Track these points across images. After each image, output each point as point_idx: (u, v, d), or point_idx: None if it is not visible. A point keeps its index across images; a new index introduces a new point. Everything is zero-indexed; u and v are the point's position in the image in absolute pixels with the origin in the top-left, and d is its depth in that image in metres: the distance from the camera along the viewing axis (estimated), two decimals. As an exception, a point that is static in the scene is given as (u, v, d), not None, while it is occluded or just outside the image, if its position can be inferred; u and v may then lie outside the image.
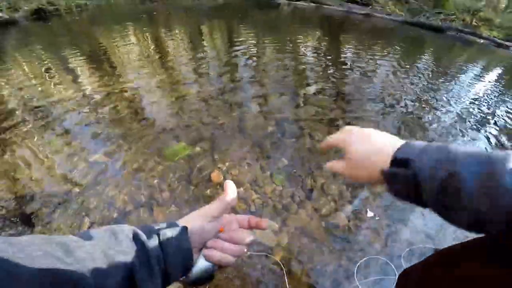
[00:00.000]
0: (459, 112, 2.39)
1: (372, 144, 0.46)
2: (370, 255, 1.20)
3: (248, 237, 0.47)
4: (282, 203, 1.46)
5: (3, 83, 2.71)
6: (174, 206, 1.42)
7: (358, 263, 1.16)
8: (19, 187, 1.50)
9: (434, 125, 2.18)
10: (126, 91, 2.51)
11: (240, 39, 4.33)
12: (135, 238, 0.41)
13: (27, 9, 6.19)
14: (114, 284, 0.37)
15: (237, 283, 1.09)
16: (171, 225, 0.45)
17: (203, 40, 4.43)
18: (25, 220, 1.34)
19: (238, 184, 1.55)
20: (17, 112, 2.18)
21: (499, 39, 5.54)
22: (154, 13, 6.57)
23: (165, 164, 1.67)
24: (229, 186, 0.50)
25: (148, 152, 1.76)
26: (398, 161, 0.40)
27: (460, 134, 2.10)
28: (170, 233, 0.43)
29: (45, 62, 3.30)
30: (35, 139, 1.87)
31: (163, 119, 2.11)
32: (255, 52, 3.71)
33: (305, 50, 3.95)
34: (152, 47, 4.02)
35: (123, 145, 1.82)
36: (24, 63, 3.30)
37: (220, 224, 0.48)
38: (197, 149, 1.79)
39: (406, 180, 0.38)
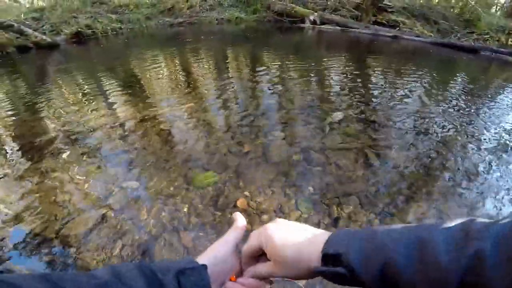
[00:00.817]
0: (499, 138, 2.25)
1: (297, 243, 0.42)
2: None
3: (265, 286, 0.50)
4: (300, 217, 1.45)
5: (44, 107, 3.00)
6: (201, 231, 1.45)
7: None
8: (58, 210, 1.62)
9: (471, 154, 2.07)
10: (156, 119, 2.65)
11: (265, 64, 4.46)
12: (150, 279, 0.39)
13: (68, 32, 6.84)
14: None
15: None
16: (190, 262, 0.44)
17: (228, 66, 4.61)
18: (62, 239, 1.44)
19: (263, 212, 1.56)
20: (56, 138, 2.37)
21: None
22: (180, 38, 6.98)
23: (193, 190, 1.73)
24: (237, 216, 0.54)
25: (177, 179, 1.83)
26: (329, 257, 0.38)
27: (500, 164, 1.97)
28: (193, 278, 0.41)
29: (83, 87, 3.63)
30: (73, 165, 2.01)
31: (191, 146, 2.20)
32: (280, 77, 3.78)
33: (331, 74, 3.96)
34: (180, 72, 4.26)
35: (153, 172, 1.91)
36: (63, 87, 3.64)
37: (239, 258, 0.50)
38: (224, 176, 1.84)
39: (341, 276, 0.36)
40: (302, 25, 8.06)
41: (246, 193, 1.70)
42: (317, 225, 1.47)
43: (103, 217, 1.56)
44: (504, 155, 2.07)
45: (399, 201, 1.63)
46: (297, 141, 2.25)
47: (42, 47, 6.08)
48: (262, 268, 0.45)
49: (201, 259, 0.47)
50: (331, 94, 3.24)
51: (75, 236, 1.45)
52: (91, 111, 2.88)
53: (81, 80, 3.95)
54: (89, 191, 1.76)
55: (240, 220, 0.53)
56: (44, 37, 6.34)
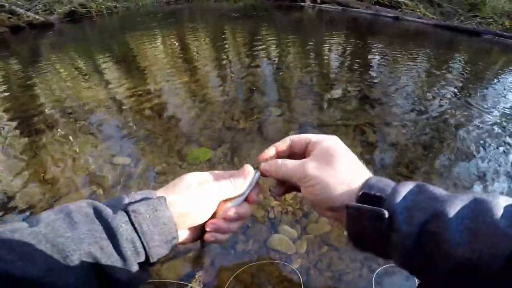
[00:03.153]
0: (495, 120, 2.21)
1: (337, 172, 0.37)
2: (391, 264, 1.14)
3: (249, 210, 0.46)
4: (303, 210, 1.42)
5: (38, 83, 2.90)
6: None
7: (377, 271, 1.10)
8: (46, 187, 1.58)
9: (467, 133, 2.03)
10: (151, 94, 2.60)
11: (263, 41, 4.34)
12: (97, 216, 0.32)
13: (61, 11, 6.62)
14: (73, 281, 0.28)
15: (254, 291, 1.07)
16: (145, 197, 0.37)
17: (226, 42, 4.49)
18: None
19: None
20: (48, 114, 2.32)
21: None
22: (178, 14, 6.76)
23: (186, 168, 1.68)
24: (248, 169, 0.48)
25: (170, 156, 1.79)
26: (367, 198, 0.33)
27: (495, 143, 1.94)
28: (143, 208, 0.34)
29: (77, 64, 3.53)
30: (64, 141, 1.97)
31: (185, 122, 2.15)
32: (278, 54, 3.70)
33: (330, 53, 3.86)
34: (177, 49, 4.14)
35: (146, 147, 1.87)
36: (57, 65, 3.53)
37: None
38: (218, 153, 1.80)
39: (375, 221, 0.31)
40: (302, 3, 7.83)
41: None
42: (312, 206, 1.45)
43: (93, 195, 1.52)
44: (500, 137, 2.04)
45: (396, 181, 1.60)
46: (294, 117, 2.20)
47: (36, 26, 5.89)
48: (286, 163, 0.43)
49: (163, 192, 0.41)
50: (330, 71, 3.17)
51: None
52: (85, 87, 2.82)
53: (75, 58, 3.83)
54: (79, 167, 1.72)
55: (247, 176, 0.45)
56: (37, 16, 6.12)
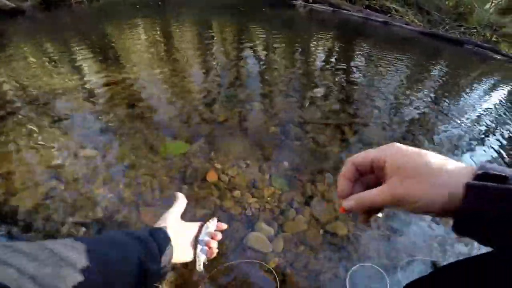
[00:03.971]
0: (466, 125, 2.30)
1: (430, 175, 0.32)
2: (364, 263, 1.11)
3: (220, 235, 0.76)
4: (280, 208, 1.37)
5: (4, 71, 2.70)
6: (164, 208, 1.33)
7: (350, 271, 1.08)
8: (1, 183, 1.44)
9: (440, 136, 2.08)
10: (126, 83, 2.45)
11: (251, 37, 4.27)
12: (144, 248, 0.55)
13: None
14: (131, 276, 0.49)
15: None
16: (153, 227, 0.64)
17: (211, 36, 4.38)
18: (3, 216, 1.27)
19: (235, 187, 1.47)
20: (14, 101, 2.14)
21: None
22: (160, 2, 6.55)
23: (159, 161, 1.59)
24: (179, 195, 0.81)
25: (141, 148, 1.69)
26: (488, 178, 0.29)
27: (465, 146, 2.00)
28: (157, 231, 0.61)
29: (49, 52, 3.29)
30: (26, 131, 1.81)
31: (161, 114, 2.05)
32: (265, 51, 3.64)
33: (317, 52, 3.85)
34: (159, 40, 3.98)
35: (116, 139, 1.76)
36: (27, 53, 3.28)
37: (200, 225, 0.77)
38: (194, 147, 1.72)
39: (501, 201, 0.27)
40: (294, 1, 7.80)
41: (218, 165, 1.59)
42: (290, 202, 1.40)
43: (53, 190, 1.40)
44: (472, 141, 2.10)
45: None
46: (275, 113, 2.15)
47: (6, 12, 5.51)
48: (371, 194, 0.35)
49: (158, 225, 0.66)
50: (315, 70, 3.15)
51: (20, 213, 1.28)
52: (55, 75, 2.62)
53: (47, 47, 3.56)
54: (40, 160, 1.58)
55: (181, 198, 0.79)
56: (7, 2, 5.75)
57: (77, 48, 3.37)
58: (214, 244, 0.72)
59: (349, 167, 0.39)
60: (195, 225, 0.74)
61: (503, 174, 0.28)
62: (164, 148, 1.68)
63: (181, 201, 0.75)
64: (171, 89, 2.42)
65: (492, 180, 0.28)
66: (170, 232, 0.62)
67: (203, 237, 0.71)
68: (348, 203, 0.38)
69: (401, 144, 0.36)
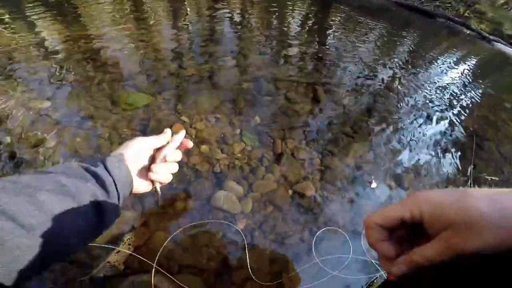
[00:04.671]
0: (429, 94, 2.37)
1: (473, 197, 0.31)
2: (329, 227, 1.15)
3: (180, 156, 0.66)
4: (250, 165, 1.34)
5: None
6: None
7: (316, 235, 1.11)
8: None
9: (404, 103, 2.13)
10: (87, 39, 2.14)
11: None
12: (87, 170, 0.49)
13: None
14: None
15: (192, 255, 0.98)
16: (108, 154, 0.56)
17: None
18: None
19: (203, 141, 1.40)
20: None
21: (485, 32, 5.60)
22: None
23: (119, 113, 1.45)
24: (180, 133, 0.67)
25: (100, 100, 1.51)
26: None
27: (426, 114, 2.07)
28: (113, 160, 0.53)
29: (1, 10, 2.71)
30: None
31: (123, 66, 1.83)
32: (240, 10, 3.36)
33: (292, 15, 3.66)
34: None
35: (72, 91, 1.56)
36: None
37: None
38: (159, 99, 1.58)
39: None
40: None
41: (185, 118, 1.48)
42: (260, 159, 1.37)
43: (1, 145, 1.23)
44: (427, 106, 2.19)
45: (340, 140, 1.60)
46: (249, 69, 2.03)
47: None
48: (430, 250, 0.32)
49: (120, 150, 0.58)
50: (289, 32, 2.99)
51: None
52: (7, 33, 2.18)
53: None
54: None
55: (166, 134, 0.66)
56: None
57: (33, 4, 2.79)
58: (171, 169, 0.63)
59: (378, 229, 0.36)
60: (154, 142, 0.62)
61: None
62: (125, 100, 1.52)
63: (163, 136, 0.64)
64: (136, 43, 2.16)
65: None
66: (128, 161, 0.55)
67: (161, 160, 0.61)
68: (399, 268, 0.35)
69: (424, 192, 0.34)
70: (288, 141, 1.51)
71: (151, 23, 2.66)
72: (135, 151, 0.58)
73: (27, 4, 2.85)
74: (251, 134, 1.49)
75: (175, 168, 0.64)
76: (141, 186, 0.60)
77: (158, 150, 0.62)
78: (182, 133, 0.67)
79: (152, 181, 0.61)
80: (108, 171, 0.50)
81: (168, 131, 0.66)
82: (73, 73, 1.74)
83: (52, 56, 1.91)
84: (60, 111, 1.42)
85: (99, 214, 0.47)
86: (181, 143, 0.67)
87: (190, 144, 0.68)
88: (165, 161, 0.61)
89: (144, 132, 1.37)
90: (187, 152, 1.33)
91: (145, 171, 0.59)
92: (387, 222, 0.35)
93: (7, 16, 2.58)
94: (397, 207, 0.35)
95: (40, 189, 0.39)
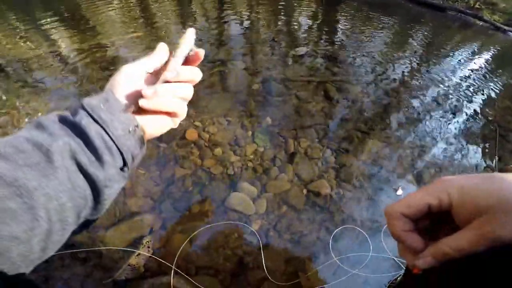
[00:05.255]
0: (448, 85, 2.30)
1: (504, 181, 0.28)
2: (346, 225, 1.14)
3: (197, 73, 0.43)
4: (263, 166, 1.35)
5: None
6: (141, 167, 1.27)
7: (333, 233, 1.10)
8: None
9: (421, 97, 2.07)
10: (99, 49, 2.24)
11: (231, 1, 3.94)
12: (62, 121, 0.32)
13: None
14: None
15: (209, 257, 0.99)
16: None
17: (191, 2, 3.98)
18: None
19: (216, 144, 1.42)
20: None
21: (499, 23, 5.42)
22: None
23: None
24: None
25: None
26: None
27: (445, 107, 2.00)
28: (94, 101, 0.34)
29: (16, 20, 2.86)
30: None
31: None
32: (247, 11, 3.39)
33: (300, 14, 3.65)
34: (134, 4, 3.55)
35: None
36: None
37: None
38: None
39: None
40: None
41: (197, 123, 1.51)
42: (273, 160, 1.37)
43: None
44: (445, 100, 2.12)
45: (355, 138, 1.58)
46: (258, 70, 2.04)
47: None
48: (459, 240, 0.29)
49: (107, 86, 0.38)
50: (298, 30, 2.99)
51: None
52: (24, 44, 2.32)
53: (13, 14, 3.07)
54: (14, 124, 1.46)
55: (162, 49, 0.42)
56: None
57: (44, 16, 2.94)
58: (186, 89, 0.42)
59: (403, 219, 0.33)
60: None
61: None
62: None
63: (158, 52, 0.42)
64: (147, 51, 2.21)
65: None
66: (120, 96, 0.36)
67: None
68: (426, 261, 0.32)
69: (452, 177, 0.31)
70: (300, 140, 1.50)
71: (159, 29, 2.73)
72: (125, 81, 0.38)
73: (41, 15, 2.99)
74: (263, 135, 1.50)
75: (188, 91, 0.42)
76: (153, 123, 0.39)
77: (157, 74, 0.40)
78: (191, 34, 0.43)
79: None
80: (92, 117, 0.32)
81: (162, 44, 0.42)
82: (89, 83, 1.81)
83: (69, 67, 2.00)
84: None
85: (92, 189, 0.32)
86: (191, 56, 0.43)
87: (201, 53, 0.43)
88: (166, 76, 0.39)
89: (160, 138, 1.40)
90: (201, 156, 1.35)
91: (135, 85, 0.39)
92: (412, 211, 0.32)
93: (22, 27, 2.71)
94: (422, 194, 0.31)
95: None
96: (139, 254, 0.95)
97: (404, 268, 0.92)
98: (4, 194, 0.25)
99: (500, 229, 0.26)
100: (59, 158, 0.29)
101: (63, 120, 0.32)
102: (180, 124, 1.31)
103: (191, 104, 1.47)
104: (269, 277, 0.94)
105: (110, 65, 2.02)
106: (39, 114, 1.49)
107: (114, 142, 0.33)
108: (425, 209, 0.31)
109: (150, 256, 0.95)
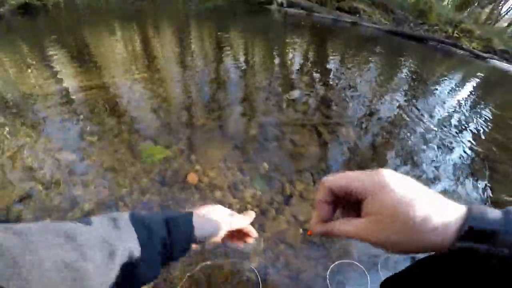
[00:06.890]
0: (436, 121, 2.43)
1: (429, 205, 0.30)
2: (342, 260, 1.17)
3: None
4: (260, 208, 1.41)
5: None
6: (144, 209, 1.34)
7: (330, 267, 1.13)
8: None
9: (412, 133, 2.20)
10: (105, 88, 2.41)
11: (229, 42, 4.28)
12: (137, 221, 0.42)
13: (14, 3, 5.87)
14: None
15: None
16: (178, 212, 0.48)
17: (191, 42, 4.35)
18: None
19: (216, 188, 1.49)
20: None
21: (477, 50, 5.74)
22: (141, 12, 6.41)
23: (138, 164, 1.58)
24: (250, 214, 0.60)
25: (122, 152, 1.66)
26: (475, 234, 0.28)
27: (438, 142, 2.12)
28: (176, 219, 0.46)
29: (26, 57, 3.13)
30: (6, 134, 1.74)
31: (141, 117, 2.02)
32: (243, 55, 3.68)
33: (292, 55, 3.94)
34: (139, 47, 3.90)
35: (95, 143, 1.72)
36: (3, 57, 3.10)
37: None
38: (174, 149, 1.72)
39: (489, 261, 0.27)
40: (269, 6, 7.92)
41: (198, 167, 1.60)
42: (270, 203, 1.44)
43: (32, 190, 1.37)
44: (437, 134, 2.24)
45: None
46: (255, 116, 2.19)
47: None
48: (349, 226, 0.33)
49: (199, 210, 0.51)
50: (291, 73, 3.22)
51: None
52: (32, 79, 2.51)
53: (24, 51, 3.39)
54: (19, 162, 1.53)
55: (247, 217, 0.59)
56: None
57: (54, 53, 3.22)
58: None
59: (327, 191, 0.36)
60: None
61: (490, 228, 0.27)
62: (144, 153, 1.67)
63: (244, 218, 0.58)
64: (150, 93, 2.39)
65: (474, 237, 0.27)
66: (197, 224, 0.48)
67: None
68: (320, 229, 0.37)
69: (390, 177, 0.32)
70: (296, 183, 1.58)
71: (161, 71, 2.94)
72: (214, 212, 0.53)
73: (52, 51, 3.24)
74: (261, 179, 1.58)
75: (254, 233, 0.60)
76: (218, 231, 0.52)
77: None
78: (251, 216, 0.60)
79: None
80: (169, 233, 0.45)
81: (252, 212, 0.60)
82: (93, 123, 1.91)
83: (74, 106, 2.12)
84: (84, 162, 1.57)
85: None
86: (243, 229, 0.60)
87: (254, 234, 0.61)
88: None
89: (163, 182, 1.49)
90: (202, 198, 1.42)
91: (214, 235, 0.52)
92: (336, 190, 0.34)
93: (32, 61, 2.94)
94: (356, 181, 0.33)
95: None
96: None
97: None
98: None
99: (378, 236, 0.30)
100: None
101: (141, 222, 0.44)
102: (181, 168, 1.40)
103: (192, 148, 1.58)
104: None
105: (115, 106, 2.15)
106: (44, 152, 1.58)
107: (171, 251, 0.45)
108: (348, 192, 0.33)
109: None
